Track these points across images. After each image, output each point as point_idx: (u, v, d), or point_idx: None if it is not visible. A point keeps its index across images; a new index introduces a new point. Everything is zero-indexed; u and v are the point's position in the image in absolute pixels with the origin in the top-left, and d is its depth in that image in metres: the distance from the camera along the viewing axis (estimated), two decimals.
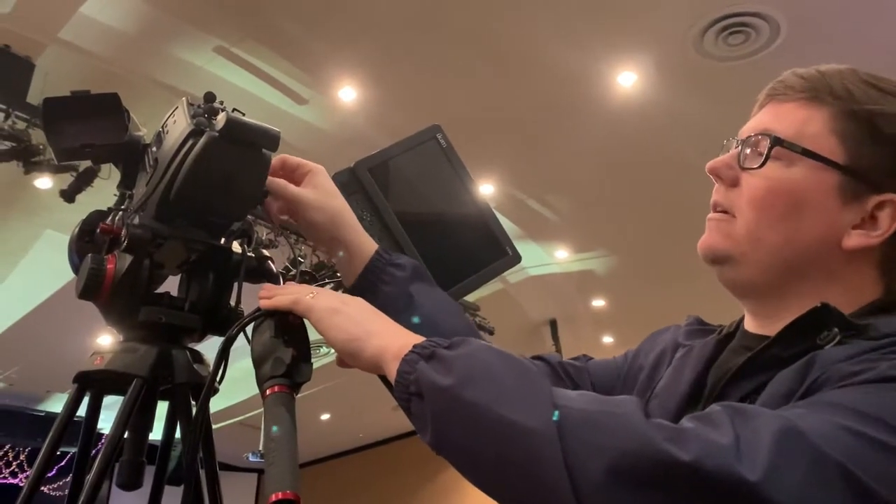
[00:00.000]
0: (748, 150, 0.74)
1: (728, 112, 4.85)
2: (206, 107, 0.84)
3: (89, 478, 0.79)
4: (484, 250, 0.96)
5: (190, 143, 0.80)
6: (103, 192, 4.52)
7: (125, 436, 0.85)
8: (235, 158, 0.80)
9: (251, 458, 9.43)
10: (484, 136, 5.05)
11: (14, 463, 9.86)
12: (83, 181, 4.59)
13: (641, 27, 4.26)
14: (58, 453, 0.85)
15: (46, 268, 6.29)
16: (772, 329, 0.71)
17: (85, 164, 4.57)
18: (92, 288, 0.82)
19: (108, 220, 0.92)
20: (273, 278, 0.89)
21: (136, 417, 0.84)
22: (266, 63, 4.56)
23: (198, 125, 0.81)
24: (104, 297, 0.83)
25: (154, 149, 0.88)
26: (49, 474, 0.88)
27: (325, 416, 10.76)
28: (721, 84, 4.54)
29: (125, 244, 0.83)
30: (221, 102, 0.87)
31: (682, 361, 0.81)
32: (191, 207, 0.82)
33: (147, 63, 4.50)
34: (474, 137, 4.89)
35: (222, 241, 0.88)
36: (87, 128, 0.93)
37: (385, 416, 9.17)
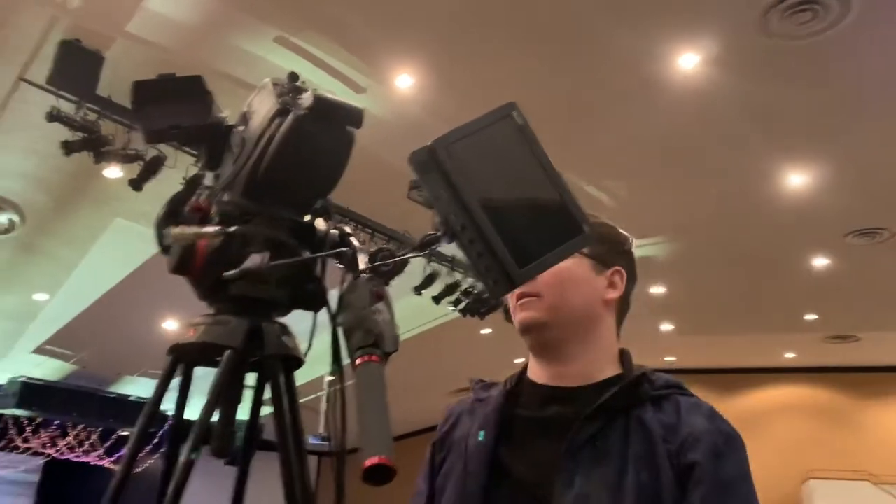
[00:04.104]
0: None
1: (793, 93, 4.69)
2: (291, 86, 0.86)
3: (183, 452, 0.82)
4: (560, 227, 0.96)
5: (277, 121, 0.82)
6: (167, 181, 4.66)
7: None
8: (322, 135, 0.81)
9: (312, 441, 9.60)
10: (540, 119, 4.95)
11: (86, 442, 10.29)
12: (151, 170, 4.73)
13: (703, 6, 4.15)
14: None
15: (116, 254, 6.51)
16: (560, 377, 1.16)
17: (152, 154, 4.70)
18: (185, 264, 0.85)
19: (195, 199, 0.95)
20: (355, 254, 0.90)
21: (227, 388, 0.87)
22: (324, 52, 4.61)
23: (284, 104, 0.83)
24: (196, 272, 0.86)
25: (240, 128, 0.90)
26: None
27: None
28: (787, 64, 4.39)
29: (216, 221, 0.86)
30: (304, 82, 0.89)
31: (471, 417, 1.21)
32: (278, 184, 0.85)
33: (209, 54, 4.60)
34: (531, 121, 4.85)
35: (307, 217, 0.90)
36: (174, 110, 0.95)
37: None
